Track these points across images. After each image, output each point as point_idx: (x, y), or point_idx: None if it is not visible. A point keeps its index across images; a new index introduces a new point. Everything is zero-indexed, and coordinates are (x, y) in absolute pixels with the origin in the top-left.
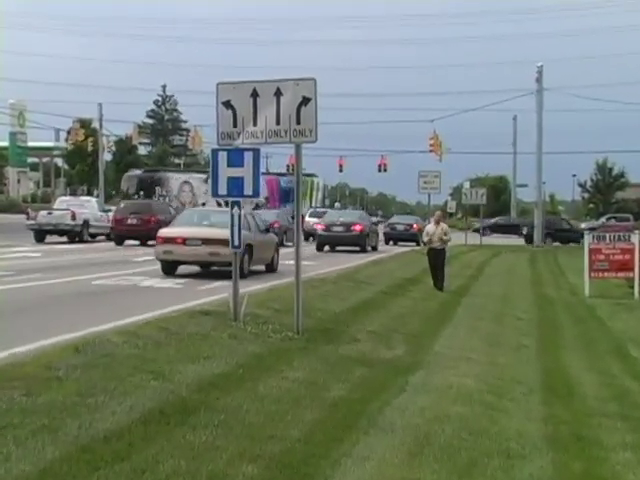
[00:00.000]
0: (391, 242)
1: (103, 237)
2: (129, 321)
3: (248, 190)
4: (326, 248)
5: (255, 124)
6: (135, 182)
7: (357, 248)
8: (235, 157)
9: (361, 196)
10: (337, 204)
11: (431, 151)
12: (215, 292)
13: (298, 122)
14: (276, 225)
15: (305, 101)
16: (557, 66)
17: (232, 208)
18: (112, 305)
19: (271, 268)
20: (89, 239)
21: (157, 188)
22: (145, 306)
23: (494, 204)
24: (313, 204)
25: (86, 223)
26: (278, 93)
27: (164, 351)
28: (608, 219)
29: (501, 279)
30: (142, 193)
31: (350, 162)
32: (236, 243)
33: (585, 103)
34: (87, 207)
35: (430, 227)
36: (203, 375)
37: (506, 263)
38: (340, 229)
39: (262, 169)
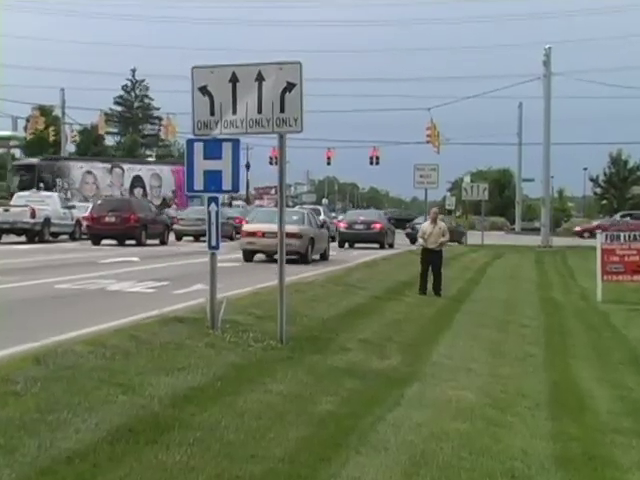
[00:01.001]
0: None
1: (66, 236)
2: (95, 329)
3: (227, 185)
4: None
5: (234, 112)
6: (31, 173)
7: (376, 245)
8: (212, 148)
9: (351, 191)
10: (324, 200)
11: (428, 142)
12: (191, 297)
13: (282, 110)
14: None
15: (290, 87)
16: (566, 48)
17: (209, 205)
18: (77, 311)
19: (324, 257)
20: (50, 239)
21: (58, 180)
22: (113, 312)
23: (497, 200)
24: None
25: (47, 221)
26: (260, 78)
27: (134, 362)
28: (623, 216)
29: (504, 282)
30: (42, 185)
31: (339, 154)
32: (214, 243)
33: (598, 89)
34: (48, 203)
35: (426, 226)
36: (177, 388)
37: (510, 265)
38: (361, 227)
39: (242, 161)
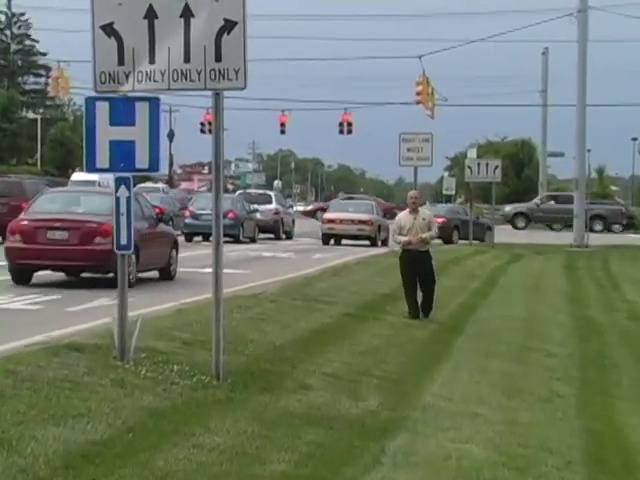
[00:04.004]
0: (332, 241)
1: None
2: None
3: (142, 161)
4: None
5: (152, 61)
6: None
7: (367, 242)
8: (122, 110)
9: (314, 170)
10: (277, 183)
11: (418, 103)
12: (92, 315)
13: (218, 58)
14: (230, 215)
15: (228, 26)
16: None
17: (117, 189)
18: None
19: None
20: None
21: None
22: None
23: (514, 182)
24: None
25: None
26: (187, 14)
27: (11, 407)
28: (544, 199)
29: (523, 295)
30: None
31: (297, 120)
32: (123, 241)
33: None
34: None
35: (404, 217)
36: (72, 443)
37: (530, 271)
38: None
39: (163, 129)
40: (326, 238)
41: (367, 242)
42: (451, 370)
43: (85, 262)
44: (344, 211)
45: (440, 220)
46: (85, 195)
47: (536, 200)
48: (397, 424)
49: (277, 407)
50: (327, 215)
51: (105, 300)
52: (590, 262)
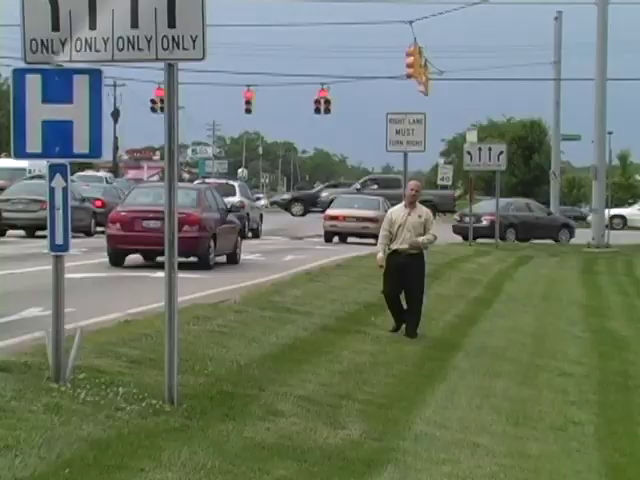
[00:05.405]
0: (335, 239)
1: None
2: None
3: (81, 145)
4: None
5: (93, 26)
6: None
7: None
8: (57, 85)
9: (286, 156)
10: (241, 171)
11: (409, 77)
12: (21, 329)
13: (171, 24)
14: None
15: None
16: None
17: (51, 179)
18: None
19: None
20: None
21: None
22: None
23: (522, 171)
24: None
25: None
26: None
27: None
28: (365, 183)
29: (532, 305)
30: None
31: (265, 97)
32: (59, 241)
33: None
34: None
35: (397, 211)
36: None
37: (541, 276)
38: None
39: (106, 108)
40: (329, 236)
41: (372, 241)
42: (447, 393)
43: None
44: (348, 207)
45: (488, 218)
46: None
47: (356, 185)
48: (384, 456)
49: (242, 437)
50: (330, 211)
51: (35, 311)
52: (612, 266)
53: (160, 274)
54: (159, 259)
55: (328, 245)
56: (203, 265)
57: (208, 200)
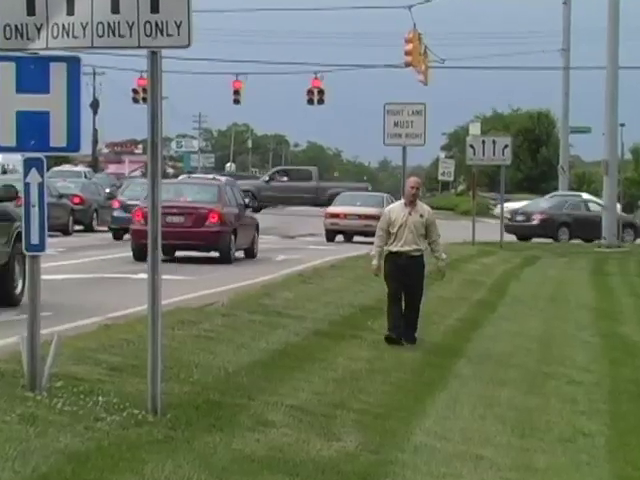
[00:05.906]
0: (338, 237)
1: None
2: None
3: (58, 138)
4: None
5: (71, 11)
6: None
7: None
8: (32, 73)
9: (277, 149)
10: (229, 165)
11: (408, 65)
12: None
13: (155, 9)
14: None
15: None
16: None
17: (26, 173)
18: None
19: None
20: None
21: None
22: None
23: (528, 165)
24: None
25: None
26: None
27: None
28: (274, 172)
29: (539, 308)
30: None
31: (255, 87)
32: (34, 240)
33: None
34: None
35: (396, 210)
36: None
37: (549, 278)
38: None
39: (85, 98)
40: (330, 234)
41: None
42: (448, 402)
43: (197, 241)
44: (350, 204)
45: (539, 217)
46: (190, 185)
47: (265, 177)
48: (381, 470)
49: (230, 449)
50: (331, 209)
51: (11, 314)
52: (624, 267)
53: (142, 275)
54: (178, 254)
55: (322, 245)
56: (224, 260)
57: (228, 195)
